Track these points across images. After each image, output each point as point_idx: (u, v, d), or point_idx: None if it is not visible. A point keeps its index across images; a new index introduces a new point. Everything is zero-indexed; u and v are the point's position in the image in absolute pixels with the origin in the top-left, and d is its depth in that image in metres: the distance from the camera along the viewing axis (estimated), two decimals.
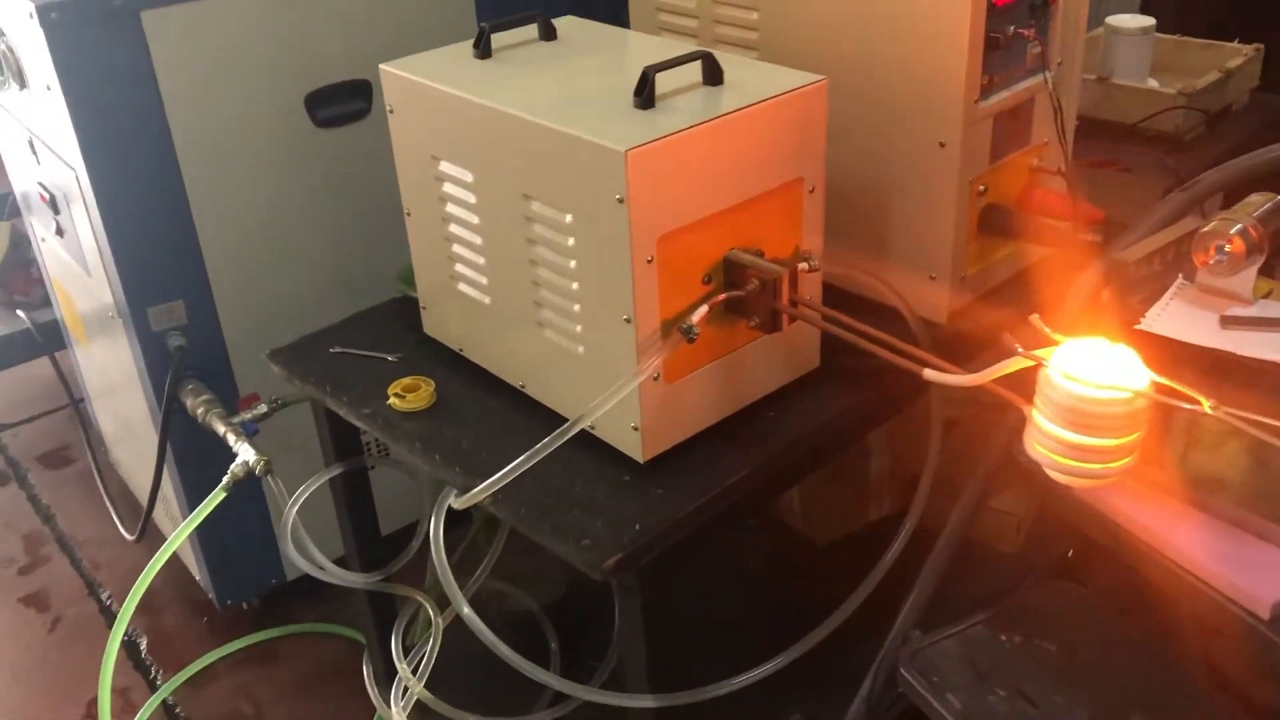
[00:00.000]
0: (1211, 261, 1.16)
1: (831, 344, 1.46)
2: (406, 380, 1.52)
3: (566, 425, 1.25)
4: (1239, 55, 2.15)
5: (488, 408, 1.49)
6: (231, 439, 1.88)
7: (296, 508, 1.72)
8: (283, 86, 1.95)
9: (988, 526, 2.16)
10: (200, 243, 1.95)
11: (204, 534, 2.15)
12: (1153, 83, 2.16)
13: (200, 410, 1.95)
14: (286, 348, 1.66)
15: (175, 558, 2.38)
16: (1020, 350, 1.01)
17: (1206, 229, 1.17)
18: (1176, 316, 1.17)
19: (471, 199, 1.39)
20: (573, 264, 1.28)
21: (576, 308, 1.30)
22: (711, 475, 1.34)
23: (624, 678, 1.36)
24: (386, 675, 1.93)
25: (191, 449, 2.06)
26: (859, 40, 1.46)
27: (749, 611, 1.96)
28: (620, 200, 1.17)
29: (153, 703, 2.15)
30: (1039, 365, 1.02)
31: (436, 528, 1.39)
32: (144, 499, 2.54)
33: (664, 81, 1.26)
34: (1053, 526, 1.92)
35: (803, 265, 1.30)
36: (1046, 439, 1.01)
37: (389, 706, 1.87)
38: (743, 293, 1.28)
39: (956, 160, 1.44)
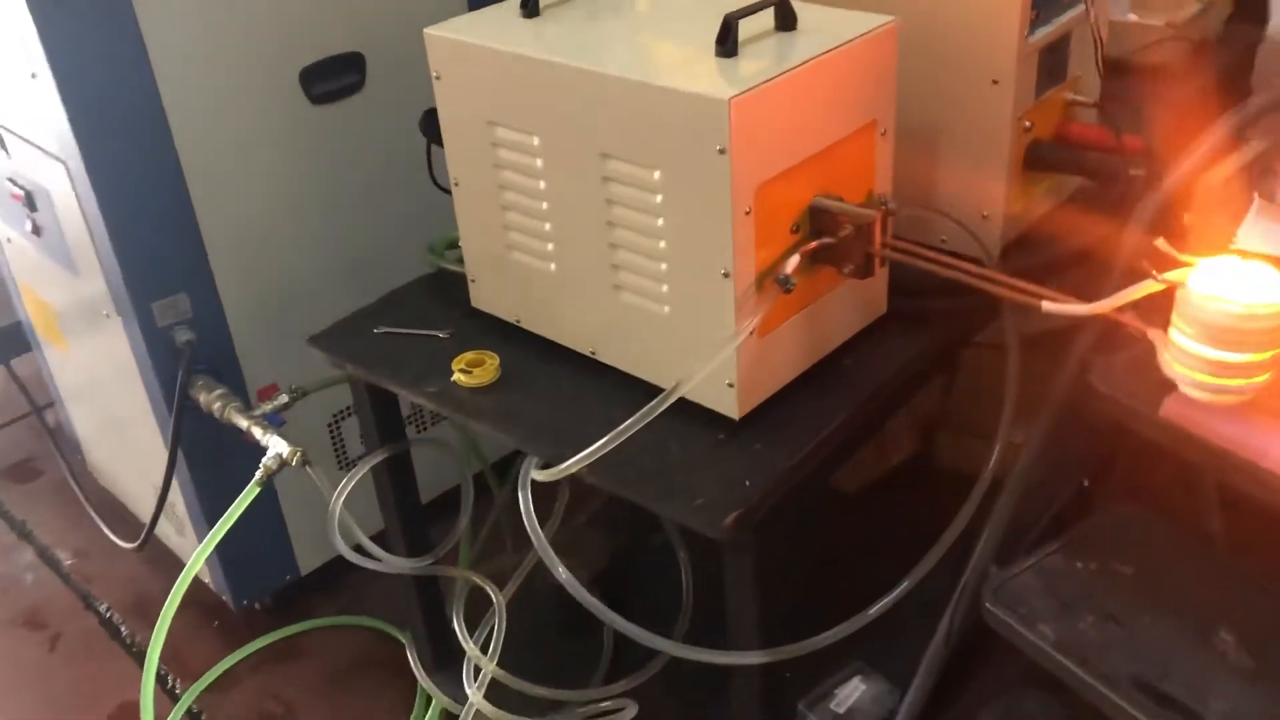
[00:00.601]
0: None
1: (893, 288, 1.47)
2: (469, 355, 1.48)
3: (668, 391, 1.22)
4: None
5: (556, 377, 1.45)
6: (258, 433, 1.81)
7: (343, 498, 1.67)
8: (276, 63, 1.87)
9: (1003, 459, 2.19)
10: (202, 232, 1.86)
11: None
12: (1133, 16, 2.20)
13: (217, 405, 1.87)
14: (327, 332, 1.60)
15: (175, 565, 2.30)
16: (1155, 275, 1.02)
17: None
18: (1269, 233, 1.19)
19: (537, 164, 1.35)
20: (660, 221, 1.25)
21: (663, 266, 1.28)
22: (806, 427, 1.33)
23: (733, 634, 1.34)
24: (435, 661, 1.89)
25: (200, 446, 1.98)
26: None
27: (810, 565, 1.96)
28: (721, 151, 1.15)
29: (178, 711, 2.07)
30: (1171, 287, 1.03)
31: (526, 501, 1.35)
32: (132, 505, 2.45)
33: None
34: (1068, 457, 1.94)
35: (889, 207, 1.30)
36: (1189, 358, 1.02)
37: (440, 692, 1.84)
38: (834, 239, 1.26)
39: (1011, 96, 1.44)
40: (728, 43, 1.21)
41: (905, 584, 1.46)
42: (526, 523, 1.35)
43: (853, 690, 1.78)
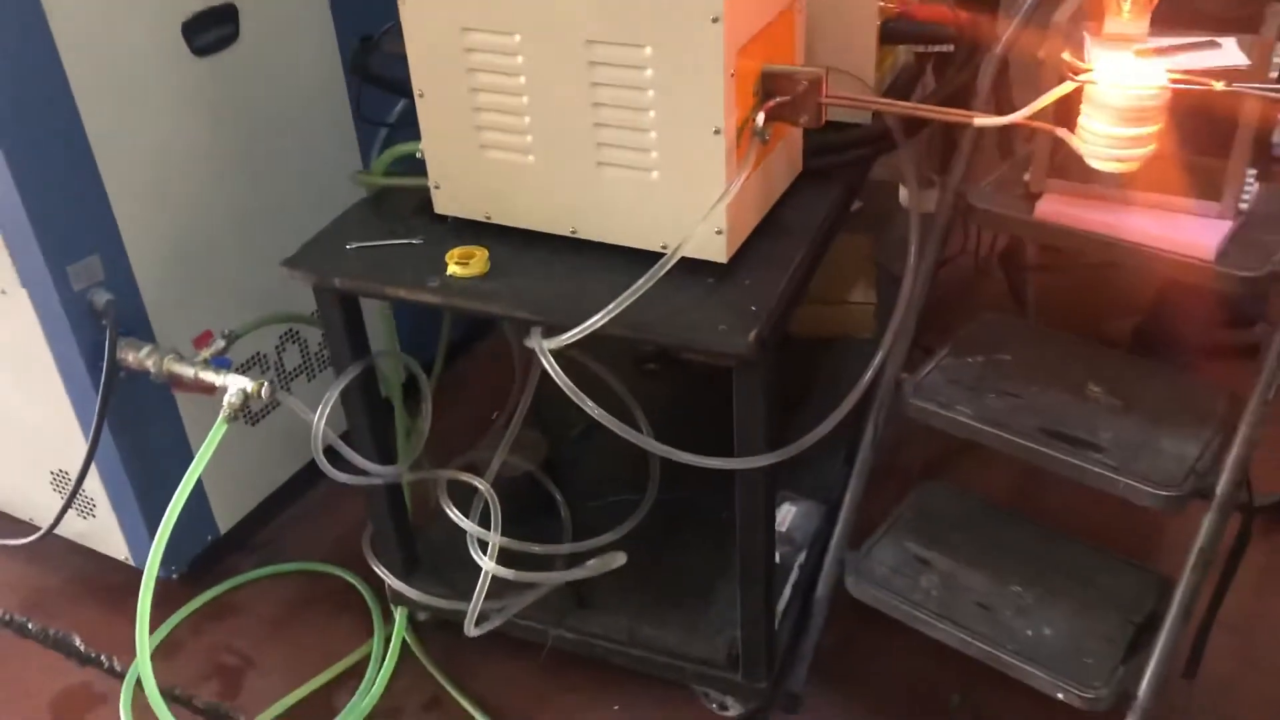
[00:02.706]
0: (1124, 11, 1.54)
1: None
2: (458, 250, 1.61)
3: (675, 247, 1.44)
4: None
5: (542, 259, 1.62)
6: (209, 376, 1.84)
7: (324, 418, 1.75)
8: (161, 17, 1.88)
9: (848, 320, 2.55)
10: (107, 190, 1.86)
11: (145, 504, 2.06)
12: None
13: (152, 361, 1.88)
14: (299, 255, 1.68)
15: (68, 555, 2.25)
16: (1071, 75, 1.34)
17: None
18: (1107, 61, 1.53)
19: (517, 61, 1.51)
20: (650, 93, 1.45)
21: (653, 135, 1.48)
22: (777, 264, 1.58)
23: (741, 443, 1.57)
24: (405, 566, 2.00)
25: (121, 413, 1.97)
26: None
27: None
28: (715, 20, 1.36)
29: (129, 682, 2.05)
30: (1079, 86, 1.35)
31: (554, 367, 1.50)
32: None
33: None
34: None
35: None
36: (1100, 139, 1.35)
37: (416, 594, 1.96)
38: (790, 96, 1.51)
39: None
40: None
41: (848, 400, 1.71)
42: (563, 385, 1.50)
43: (786, 513, 2.07)
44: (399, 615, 2.08)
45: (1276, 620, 2.06)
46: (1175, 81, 1.33)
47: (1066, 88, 1.35)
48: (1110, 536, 1.96)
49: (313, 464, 1.82)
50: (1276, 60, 1.53)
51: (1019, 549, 1.90)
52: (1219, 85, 1.31)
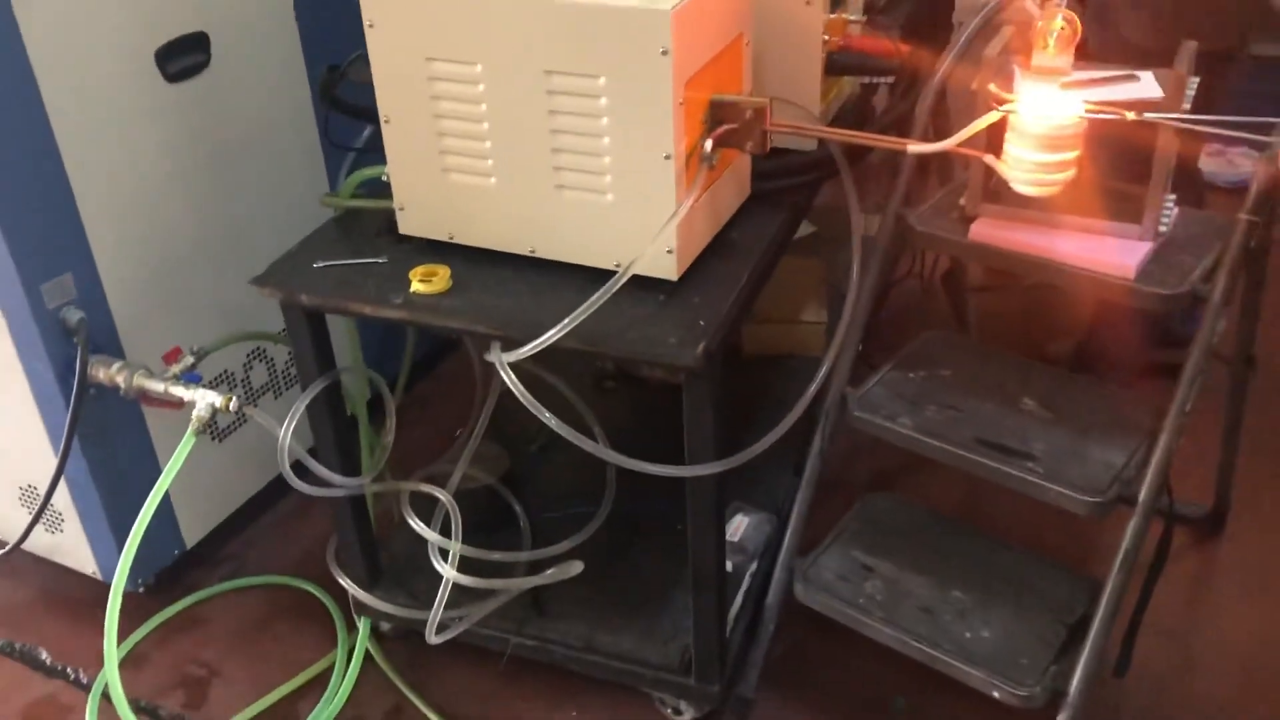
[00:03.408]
0: (1049, 46, 1.64)
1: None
2: (421, 268, 1.68)
3: (626, 265, 1.53)
4: None
5: (502, 277, 1.70)
6: (179, 390, 1.90)
7: (290, 430, 1.81)
8: (134, 44, 1.95)
9: (799, 338, 2.64)
10: (80, 211, 1.92)
11: (113, 518, 2.11)
12: None
13: (122, 377, 1.94)
14: (267, 273, 1.74)
15: (35, 570, 2.29)
16: (997, 106, 1.43)
17: (1040, 25, 1.66)
18: (1028, 91, 1.63)
19: (478, 89, 1.59)
20: (604, 121, 1.54)
21: (607, 160, 1.56)
22: (724, 283, 1.66)
23: (691, 452, 1.65)
24: (369, 577, 2.06)
25: (89, 428, 2.02)
26: None
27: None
28: (664, 52, 1.45)
29: (95, 694, 2.09)
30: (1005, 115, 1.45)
31: (512, 379, 1.58)
32: None
33: None
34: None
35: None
36: (1022, 164, 1.45)
37: (381, 604, 2.02)
38: (737, 124, 1.60)
39: (820, 14, 1.84)
40: None
41: (794, 411, 1.79)
42: (520, 396, 1.58)
43: (739, 524, 2.14)
44: (362, 625, 2.14)
45: (1209, 625, 2.16)
46: (1090, 111, 1.43)
47: (991, 117, 1.45)
48: (1050, 546, 2.06)
49: (278, 480, 1.88)
50: (1189, 92, 1.63)
51: (960, 556, 1.99)
52: (1130, 115, 1.41)
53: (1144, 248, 1.70)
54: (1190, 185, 2.36)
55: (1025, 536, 2.08)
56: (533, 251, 1.70)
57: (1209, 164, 3.39)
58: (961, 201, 1.83)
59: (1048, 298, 2.59)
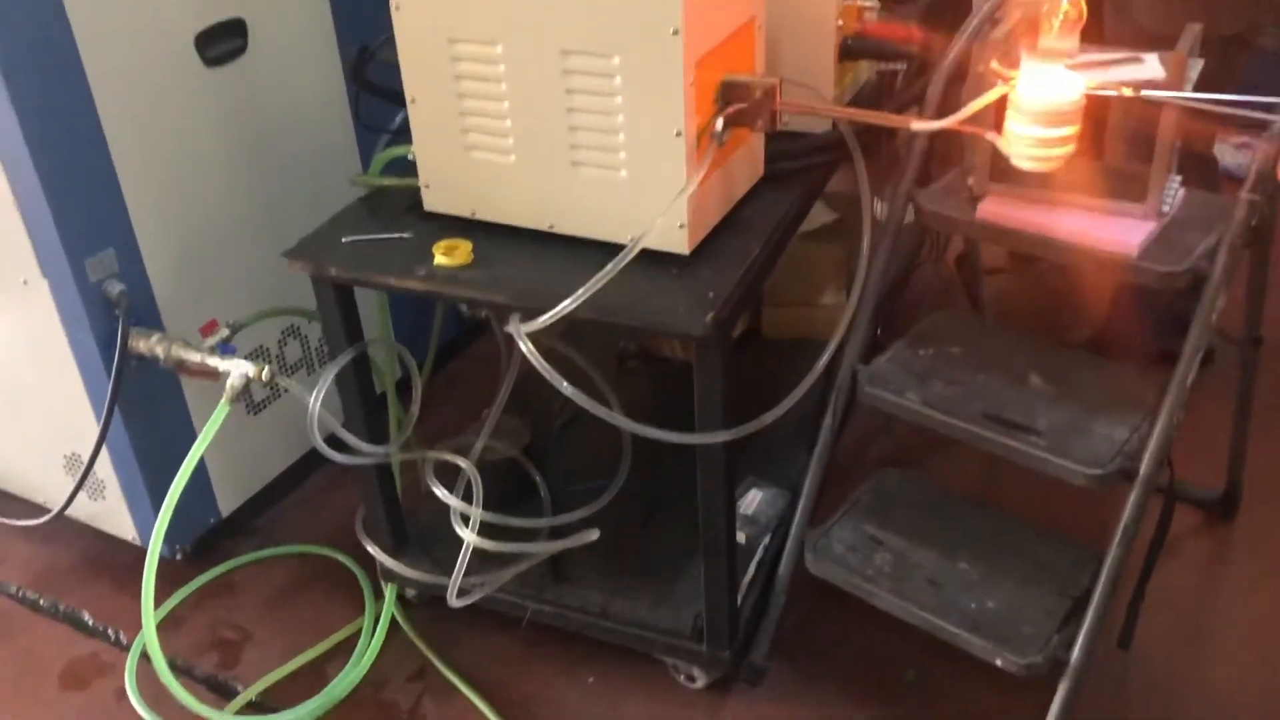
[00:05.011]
0: (1053, 28, 1.68)
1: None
2: (444, 243, 1.75)
3: (637, 238, 1.58)
4: None
5: (521, 251, 1.76)
6: (214, 361, 1.99)
7: (320, 398, 1.89)
8: (176, 29, 2.04)
9: (819, 322, 2.68)
10: (123, 190, 2.01)
11: (152, 486, 2.20)
12: None
13: (160, 348, 2.02)
14: (299, 247, 1.82)
15: (76, 536, 2.39)
16: (1001, 81, 1.48)
17: (1045, 8, 1.70)
18: (1038, 73, 1.68)
19: (499, 69, 1.66)
20: (618, 99, 1.60)
21: (621, 137, 1.63)
22: (736, 256, 1.72)
23: (701, 420, 1.70)
24: (395, 545, 2.13)
25: (131, 397, 2.11)
26: None
27: None
28: (675, 32, 1.51)
29: (134, 654, 2.18)
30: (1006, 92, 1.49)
31: (532, 351, 1.64)
32: (14, 485, 2.47)
33: None
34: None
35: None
36: (1023, 140, 1.49)
37: (406, 569, 2.09)
38: (746, 104, 1.66)
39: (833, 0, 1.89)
40: None
41: (804, 384, 1.85)
42: (537, 364, 1.64)
43: (753, 498, 2.20)
44: (388, 592, 2.22)
45: (1216, 603, 2.19)
46: (1090, 88, 1.47)
47: (993, 94, 1.50)
48: (1064, 525, 2.09)
49: (311, 453, 1.96)
50: (1191, 75, 1.67)
51: (969, 530, 2.03)
52: (1127, 91, 1.46)
53: (1147, 226, 1.74)
54: (1204, 171, 2.39)
55: (1040, 515, 2.11)
56: (551, 227, 1.76)
57: (1235, 156, 3.39)
58: (970, 181, 1.87)
59: (1065, 284, 2.62)
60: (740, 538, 2.07)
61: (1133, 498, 1.72)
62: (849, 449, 2.01)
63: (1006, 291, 2.85)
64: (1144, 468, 1.71)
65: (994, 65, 1.53)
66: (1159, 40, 1.83)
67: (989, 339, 2.06)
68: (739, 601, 1.98)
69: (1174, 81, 1.63)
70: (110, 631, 2.27)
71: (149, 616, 1.93)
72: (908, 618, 1.88)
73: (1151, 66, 1.70)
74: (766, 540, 2.13)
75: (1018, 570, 1.93)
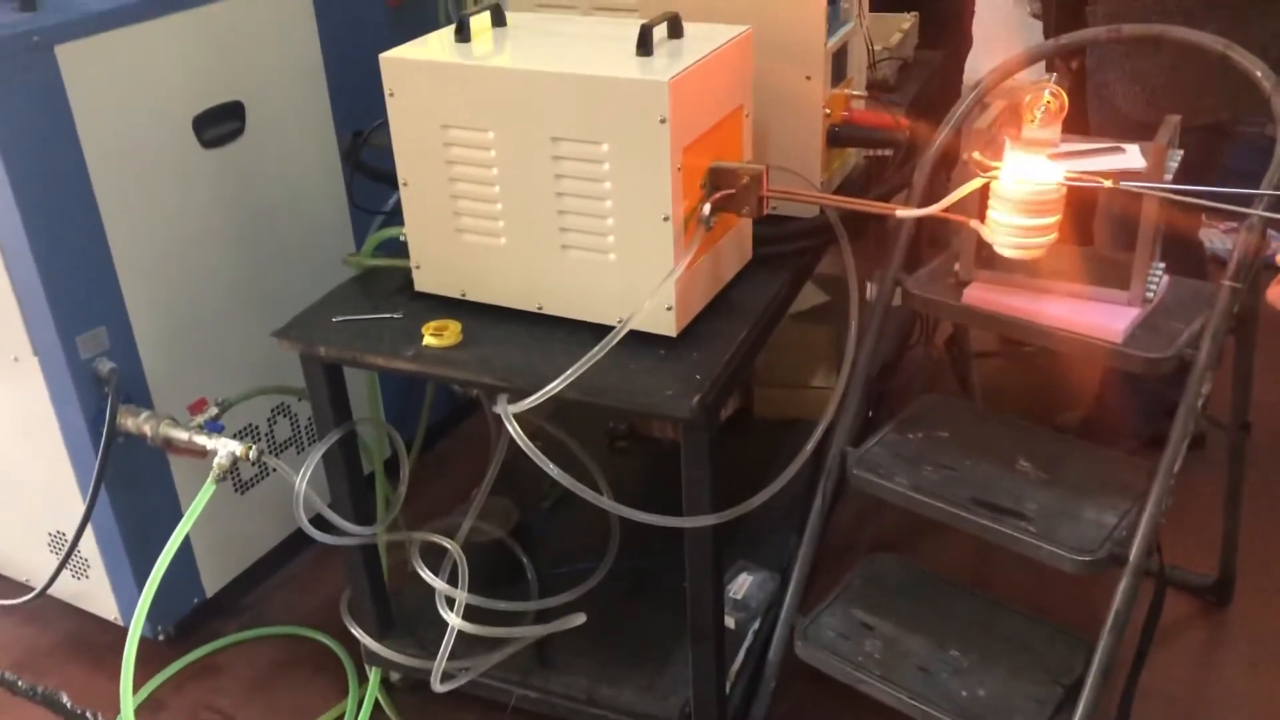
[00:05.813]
0: (1035, 119, 1.71)
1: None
2: (433, 323, 1.76)
3: (625, 320, 1.59)
4: (905, 21, 2.83)
5: (510, 332, 1.77)
6: (202, 439, 1.98)
7: (307, 477, 1.88)
8: (174, 111, 2.07)
9: (810, 403, 2.69)
10: (116, 268, 2.02)
11: (137, 566, 2.18)
12: None
13: (149, 426, 2.02)
14: (289, 326, 1.83)
15: (60, 616, 2.36)
16: (981, 173, 1.50)
17: (1028, 100, 1.73)
18: (1021, 164, 1.70)
19: (490, 154, 1.68)
20: (607, 184, 1.62)
21: (610, 221, 1.64)
22: (723, 339, 1.72)
23: (689, 503, 1.69)
24: (380, 627, 2.11)
25: (118, 475, 2.10)
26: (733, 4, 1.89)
27: None
28: (663, 120, 1.54)
29: None
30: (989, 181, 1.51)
31: (516, 430, 1.64)
32: None
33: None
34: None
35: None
36: (1005, 229, 1.51)
37: (391, 653, 2.06)
38: (733, 190, 1.68)
39: (820, 88, 1.92)
40: (646, 45, 1.61)
41: (792, 466, 1.84)
42: (523, 445, 1.64)
43: (743, 582, 2.18)
44: (373, 676, 2.18)
45: (1211, 691, 2.16)
46: (1070, 179, 1.50)
47: (975, 183, 1.52)
48: (1056, 611, 2.07)
49: (297, 533, 1.95)
50: (1171, 164, 1.70)
51: (960, 616, 2.01)
52: (1106, 183, 1.48)
53: (1132, 313, 1.75)
54: (1190, 256, 2.41)
55: (1032, 600, 2.09)
56: (540, 308, 1.78)
57: (1222, 240, 3.43)
58: (956, 267, 1.89)
59: (1054, 368, 2.63)
60: (730, 623, 2.05)
61: (1123, 584, 1.70)
62: (840, 531, 2.00)
63: (997, 375, 2.86)
64: (1133, 554, 1.70)
65: (976, 155, 1.55)
66: (1144, 128, 1.86)
67: (978, 423, 2.07)
68: (728, 689, 1.95)
69: (1154, 172, 1.65)
70: (89, 715, 2.23)
71: (127, 700, 1.90)
72: (899, 705, 1.85)
73: (1133, 157, 1.72)
74: (756, 625, 2.11)
75: (1009, 658, 1.91)
